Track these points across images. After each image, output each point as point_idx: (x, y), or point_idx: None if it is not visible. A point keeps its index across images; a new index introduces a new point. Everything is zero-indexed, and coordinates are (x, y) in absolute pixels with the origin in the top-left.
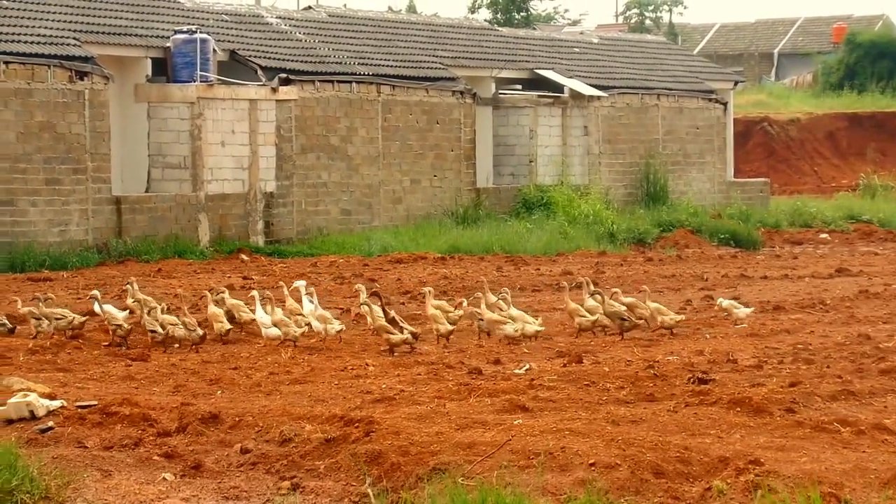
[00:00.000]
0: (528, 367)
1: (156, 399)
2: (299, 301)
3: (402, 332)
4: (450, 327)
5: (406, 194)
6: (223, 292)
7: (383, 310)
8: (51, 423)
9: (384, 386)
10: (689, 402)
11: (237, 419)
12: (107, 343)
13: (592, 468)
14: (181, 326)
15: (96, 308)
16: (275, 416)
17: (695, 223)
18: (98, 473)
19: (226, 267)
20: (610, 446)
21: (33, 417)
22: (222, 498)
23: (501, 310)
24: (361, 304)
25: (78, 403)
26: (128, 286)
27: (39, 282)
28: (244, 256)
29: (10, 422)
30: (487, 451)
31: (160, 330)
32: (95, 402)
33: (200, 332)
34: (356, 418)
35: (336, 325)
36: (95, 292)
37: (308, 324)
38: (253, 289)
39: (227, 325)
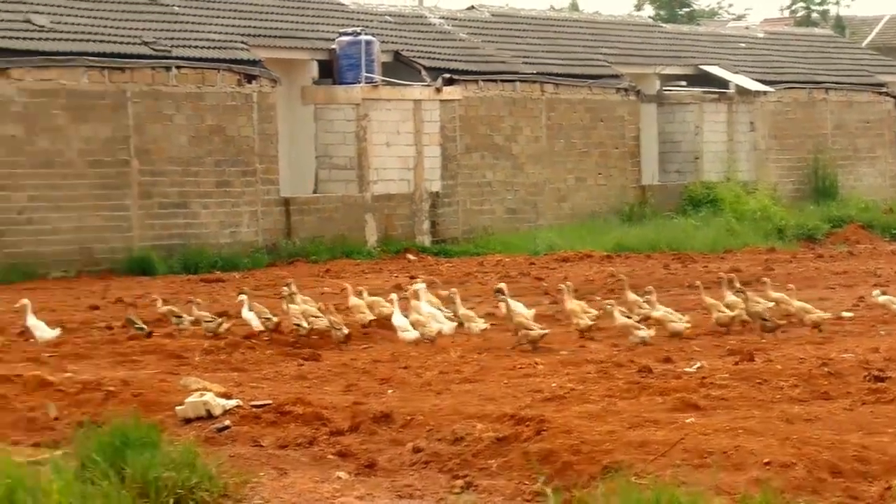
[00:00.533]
0: (699, 365)
1: (328, 398)
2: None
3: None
4: (589, 322)
5: (571, 192)
6: (362, 290)
7: (508, 308)
8: (227, 422)
9: (554, 385)
10: (865, 401)
11: (409, 418)
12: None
13: (767, 467)
14: (322, 318)
15: (244, 312)
16: (446, 414)
17: (866, 218)
18: (274, 472)
19: (393, 267)
20: (785, 445)
21: (210, 416)
22: (396, 496)
23: (641, 308)
24: (499, 300)
25: (253, 402)
26: (285, 287)
27: (212, 283)
28: (411, 256)
29: (187, 421)
30: (660, 450)
31: (304, 324)
32: (270, 402)
33: (346, 330)
34: (527, 417)
35: (480, 324)
36: (242, 297)
37: (455, 318)
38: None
39: (370, 316)
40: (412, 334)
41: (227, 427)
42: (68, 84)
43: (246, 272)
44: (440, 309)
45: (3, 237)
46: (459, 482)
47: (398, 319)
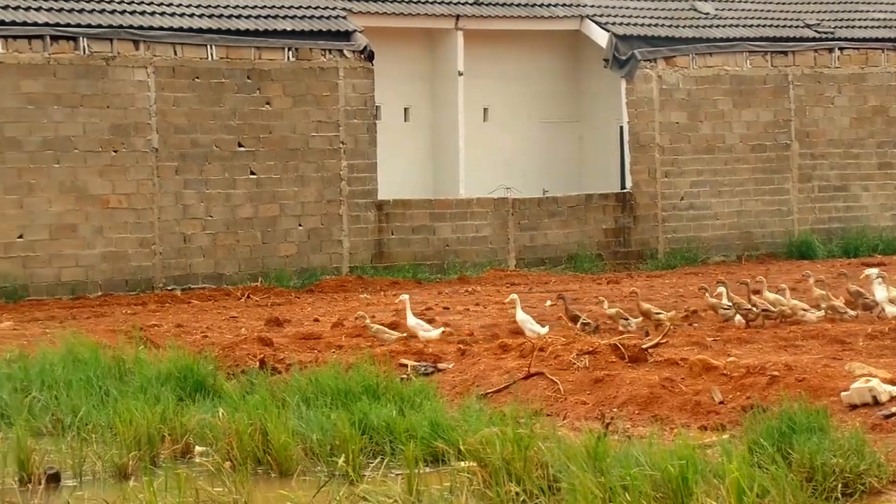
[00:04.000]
0: None
1: None
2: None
3: None
4: None
5: None
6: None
7: None
8: (894, 409)
9: None
10: None
11: None
12: None
13: None
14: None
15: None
16: None
17: None
18: None
19: None
20: None
21: (876, 403)
22: None
23: None
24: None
25: None
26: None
27: (873, 266)
28: None
29: (853, 407)
30: None
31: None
32: None
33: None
34: None
35: None
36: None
37: None
38: None
39: None
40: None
41: (893, 414)
42: (731, 70)
43: None
44: None
45: (666, 222)
46: None
47: (880, 294)
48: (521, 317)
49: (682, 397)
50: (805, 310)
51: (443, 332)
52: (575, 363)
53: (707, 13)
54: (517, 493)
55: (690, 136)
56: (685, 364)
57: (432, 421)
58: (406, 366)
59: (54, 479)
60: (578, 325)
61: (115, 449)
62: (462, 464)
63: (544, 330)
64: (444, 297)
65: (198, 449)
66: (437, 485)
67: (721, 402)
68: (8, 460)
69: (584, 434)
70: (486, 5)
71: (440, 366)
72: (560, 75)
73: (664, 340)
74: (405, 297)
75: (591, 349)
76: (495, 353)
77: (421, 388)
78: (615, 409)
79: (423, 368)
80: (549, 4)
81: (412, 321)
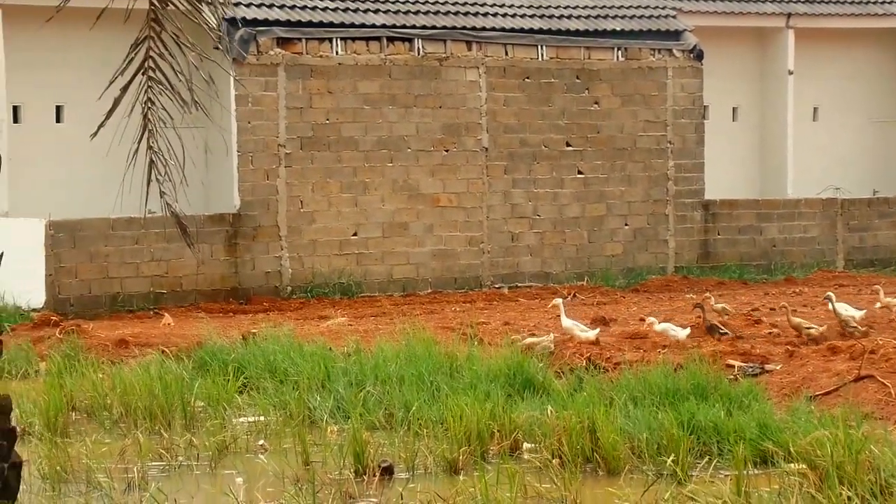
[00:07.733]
0: None
1: None
2: None
3: None
4: None
5: None
6: None
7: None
8: None
9: None
10: None
11: None
12: None
13: None
14: None
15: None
16: None
17: None
18: None
19: None
20: None
21: None
22: None
23: None
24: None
25: None
26: None
27: None
28: None
29: None
30: None
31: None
32: None
33: None
34: None
35: None
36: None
37: None
38: None
39: None
40: None
41: None
42: None
43: None
44: None
45: None
46: None
47: None
48: (567, 323)
49: None
50: None
51: (599, 332)
52: None
53: None
54: (848, 498)
55: None
56: None
57: (760, 422)
58: (733, 366)
59: (388, 471)
60: (716, 336)
61: (445, 444)
62: (791, 466)
63: (684, 333)
64: (771, 298)
65: (526, 445)
66: (766, 487)
67: None
68: (345, 452)
69: None
70: (819, 3)
71: (767, 367)
72: (893, 73)
73: None
74: (559, 300)
75: None
76: (824, 355)
77: (748, 388)
78: None
79: (750, 369)
80: (884, 1)
81: (567, 322)
